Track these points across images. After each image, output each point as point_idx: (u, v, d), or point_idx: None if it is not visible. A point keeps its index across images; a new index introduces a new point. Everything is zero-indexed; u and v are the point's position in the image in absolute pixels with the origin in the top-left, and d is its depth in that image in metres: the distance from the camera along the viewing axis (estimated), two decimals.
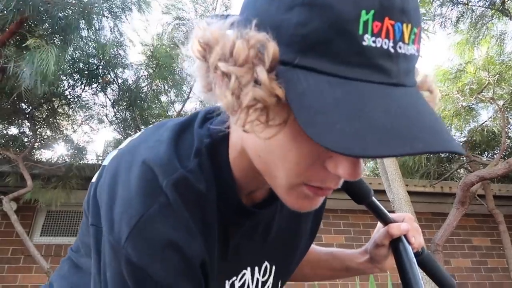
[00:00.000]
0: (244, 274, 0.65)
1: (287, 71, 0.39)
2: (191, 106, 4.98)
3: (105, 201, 0.51)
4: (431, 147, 0.35)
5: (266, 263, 0.69)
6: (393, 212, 3.21)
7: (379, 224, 0.82)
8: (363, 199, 0.74)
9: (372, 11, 0.37)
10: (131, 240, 0.46)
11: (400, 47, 0.39)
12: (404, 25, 0.39)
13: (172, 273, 0.48)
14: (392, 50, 0.38)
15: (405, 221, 0.79)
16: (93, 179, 0.60)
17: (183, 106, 4.66)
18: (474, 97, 4.96)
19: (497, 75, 4.77)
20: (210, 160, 0.54)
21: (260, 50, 0.39)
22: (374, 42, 0.38)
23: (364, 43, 0.37)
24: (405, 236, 0.76)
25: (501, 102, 4.91)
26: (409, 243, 0.75)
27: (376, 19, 0.37)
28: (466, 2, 4.27)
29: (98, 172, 0.61)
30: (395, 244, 0.76)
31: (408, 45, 0.40)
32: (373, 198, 0.76)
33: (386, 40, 0.38)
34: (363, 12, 0.37)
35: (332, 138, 0.35)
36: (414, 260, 0.71)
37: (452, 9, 4.32)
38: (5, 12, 2.92)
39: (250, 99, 0.39)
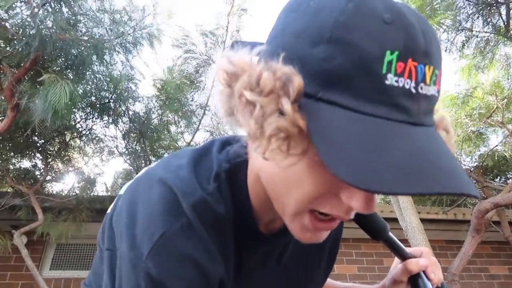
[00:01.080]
0: None
1: (310, 103, 0.40)
2: (201, 137, 5.04)
3: (125, 221, 0.51)
4: (447, 189, 0.36)
5: None
6: (406, 240, 3.15)
7: (396, 260, 0.80)
8: (380, 235, 0.74)
9: (396, 52, 0.39)
10: (153, 255, 0.47)
11: (421, 88, 0.40)
12: (427, 67, 0.40)
13: None
14: (413, 91, 0.40)
15: (423, 256, 0.77)
16: (109, 210, 0.61)
17: (193, 136, 4.70)
18: (483, 121, 4.93)
19: (505, 99, 4.76)
20: (229, 185, 0.55)
21: (285, 82, 0.40)
22: (396, 81, 0.39)
23: (387, 82, 0.39)
24: (424, 271, 0.75)
25: (510, 126, 4.88)
26: (429, 279, 0.74)
27: (400, 60, 0.39)
28: (470, 29, 4.31)
29: (114, 202, 0.62)
30: (414, 281, 0.74)
31: (429, 86, 0.41)
32: (390, 233, 0.75)
33: (409, 81, 0.39)
34: (388, 52, 0.39)
35: (350, 172, 0.36)
36: None
37: (457, 34, 4.36)
38: (20, 49, 3.02)
39: (273, 128, 0.40)
